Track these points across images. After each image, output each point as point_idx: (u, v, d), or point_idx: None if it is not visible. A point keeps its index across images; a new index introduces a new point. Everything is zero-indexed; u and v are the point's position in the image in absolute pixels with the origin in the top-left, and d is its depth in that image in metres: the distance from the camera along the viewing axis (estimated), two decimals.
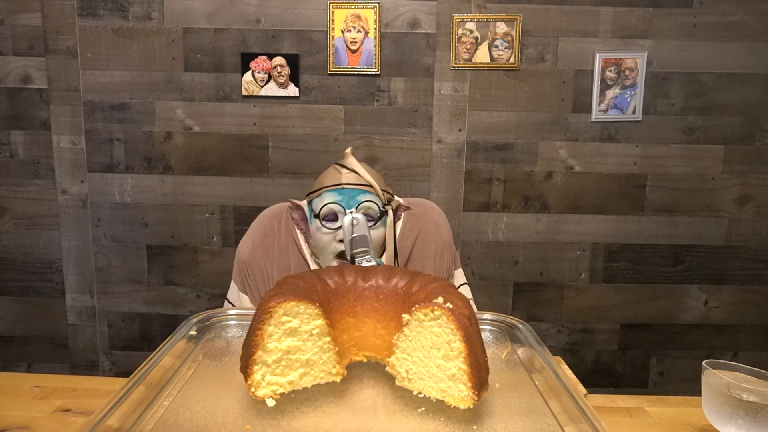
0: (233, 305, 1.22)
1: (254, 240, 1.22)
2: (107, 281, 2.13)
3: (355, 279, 0.78)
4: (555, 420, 0.65)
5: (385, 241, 1.14)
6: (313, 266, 1.18)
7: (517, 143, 2.05)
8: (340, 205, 1.09)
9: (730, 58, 2.01)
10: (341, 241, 1.08)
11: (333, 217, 1.10)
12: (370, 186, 1.12)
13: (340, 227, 1.08)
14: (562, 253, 2.11)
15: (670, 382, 2.20)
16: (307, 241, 1.20)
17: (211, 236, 2.10)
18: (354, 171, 1.12)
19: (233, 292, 1.25)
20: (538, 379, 0.74)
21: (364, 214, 1.09)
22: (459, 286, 1.29)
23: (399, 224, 1.22)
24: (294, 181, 2.07)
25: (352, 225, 1.05)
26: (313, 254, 1.19)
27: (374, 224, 1.10)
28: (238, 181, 2.07)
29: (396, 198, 1.24)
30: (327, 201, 1.10)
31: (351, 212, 1.07)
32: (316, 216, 1.11)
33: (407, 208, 1.21)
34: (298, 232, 1.21)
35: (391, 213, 1.15)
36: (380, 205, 1.12)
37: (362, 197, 1.10)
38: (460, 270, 1.32)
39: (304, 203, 1.20)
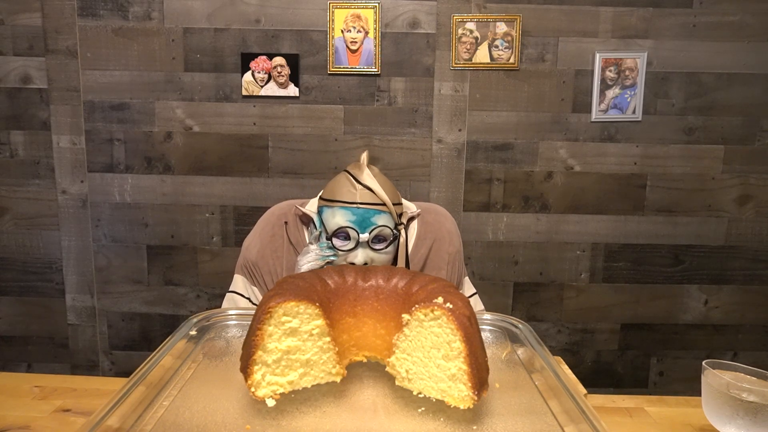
0: (243, 296, 1.21)
1: (263, 240, 1.21)
2: (107, 281, 2.13)
3: (355, 279, 0.78)
4: (555, 420, 0.65)
5: (395, 256, 1.15)
6: None
7: (517, 143, 2.05)
8: (353, 227, 1.08)
9: (730, 58, 2.01)
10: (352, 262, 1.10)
11: (345, 236, 1.09)
12: (384, 204, 1.10)
13: (351, 249, 1.08)
14: (562, 253, 2.11)
15: (670, 382, 2.20)
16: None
17: (211, 236, 2.10)
18: (369, 188, 1.09)
19: (239, 283, 1.23)
20: (538, 379, 0.74)
21: (377, 236, 1.09)
22: (469, 296, 1.29)
23: (413, 233, 1.22)
24: (294, 181, 2.07)
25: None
26: None
27: (385, 247, 1.10)
28: (238, 181, 2.07)
29: (405, 205, 1.22)
30: (340, 221, 1.08)
31: (365, 238, 1.07)
32: (329, 235, 1.10)
33: (417, 215, 1.21)
34: (306, 232, 1.21)
35: (403, 232, 1.14)
36: (393, 226, 1.10)
37: (377, 219, 1.08)
38: (468, 279, 1.32)
39: (313, 208, 1.19)
